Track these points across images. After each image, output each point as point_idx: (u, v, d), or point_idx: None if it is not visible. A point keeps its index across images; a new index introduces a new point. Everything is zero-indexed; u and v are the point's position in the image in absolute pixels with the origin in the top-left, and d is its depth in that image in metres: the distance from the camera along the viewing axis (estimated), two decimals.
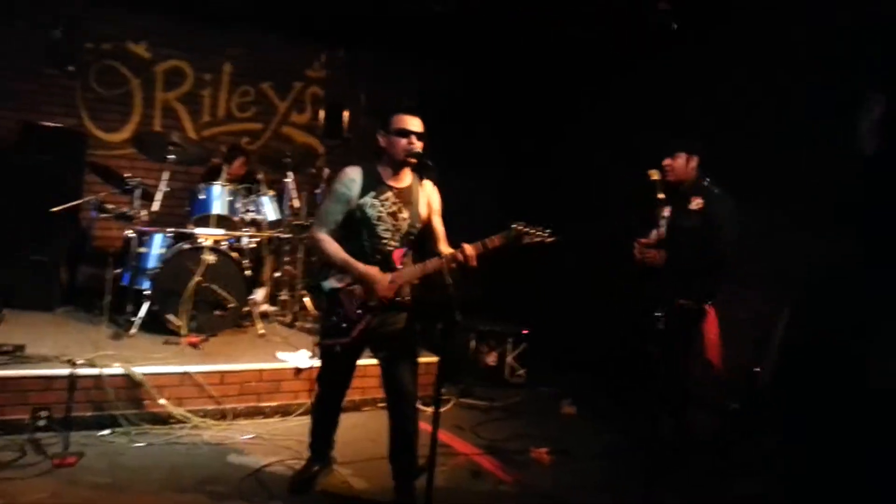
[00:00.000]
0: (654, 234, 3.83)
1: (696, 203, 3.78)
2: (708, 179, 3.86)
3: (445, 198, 3.35)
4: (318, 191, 5.94)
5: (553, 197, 6.34)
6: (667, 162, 3.81)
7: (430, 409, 2.84)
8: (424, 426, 3.19)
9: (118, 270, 5.06)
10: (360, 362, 3.38)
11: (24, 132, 5.53)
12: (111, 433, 3.81)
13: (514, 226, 3.06)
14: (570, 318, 5.80)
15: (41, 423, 3.62)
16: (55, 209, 4.85)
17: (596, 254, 5.35)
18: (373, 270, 3.09)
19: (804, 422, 3.82)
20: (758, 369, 3.98)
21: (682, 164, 3.82)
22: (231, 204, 5.15)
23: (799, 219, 4.39)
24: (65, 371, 3.77)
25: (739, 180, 3.92)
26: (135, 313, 4.75)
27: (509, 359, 5.58)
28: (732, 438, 4.16)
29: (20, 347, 3.99)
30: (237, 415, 4.20)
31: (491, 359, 5.55)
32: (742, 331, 4.42)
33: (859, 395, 3.64)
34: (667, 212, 3.79)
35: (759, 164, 4.66)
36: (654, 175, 3.73)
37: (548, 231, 3.10)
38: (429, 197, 3.27)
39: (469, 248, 3.04)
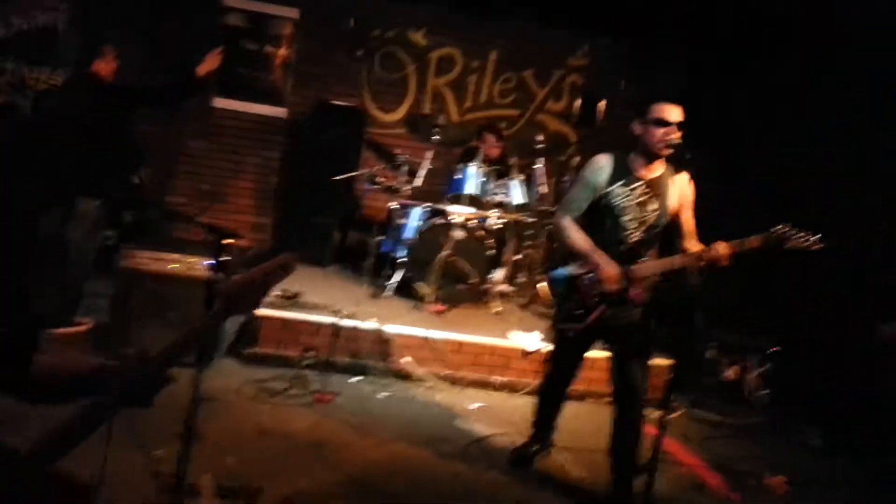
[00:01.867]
0: None
1: None
2: None
3: (705, 193, 3.18)
4: (565, 178, 5.99)
5: (821, 199, 5.63)
6: None
7: (657, 413, 2.76)
8: (649, 429, 3.12)
9: (381, 238, 5.61)
10: (589, 354, 3.38)
11: (317, 110, 6.35)
12: (361, 380, 4.29)
13: (776, 227, 2.83)
14: (830, 339, 5.15)
15: (308, 361, 4.20)
16: (337, 178, 5.52)
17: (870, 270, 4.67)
18: (605, 262, 3.01)
19: None
20: None
21: None
22: (483, 185, 5.42)
23: None
24: (331, 320, 4.32)
25: None
26: (390, 278, 5.25)
27: (751, 376, 5.14)
28: None
29: (297, 294, 4.65)
30: (468, 383, 4.46)
31: (731, 373, 5.15)
32: None
33: None
34: None
35: None
36: None
37: (816, 236, 2.82)
38: (681, 190, 3.10)
39: (722, 247, 2.87)
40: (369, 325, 4.41)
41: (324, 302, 4.63)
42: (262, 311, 4.31)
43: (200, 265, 4.09)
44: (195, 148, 6.61)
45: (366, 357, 4.35)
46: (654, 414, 3.60)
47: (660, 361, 4.21)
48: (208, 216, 6.59)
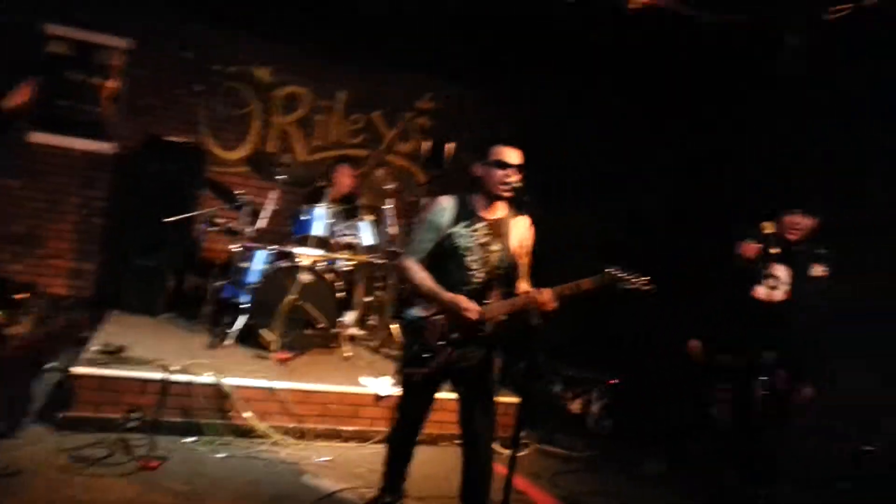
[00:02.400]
0: (761, 290, 3.59)
1: (820, 270, 3.57)
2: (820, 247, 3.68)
3: (547, 235, 3.24)
4: (415, 219, 5.97)
5: (655, 240, 6.04)
6: (797, 220, 3.62)
7: (507, 452, 2.73)
8: (500, 469, 3.07)
9: (221, 282, 5.26)
10: (440, 396, 3.30)
11: (150, 146, 5.92)
12: (196, 441, 3.90)
13: (607, 270, 2.93)
14: (662, 371, 5.47)
15: (132, 423, 3.79)
16: (169, 219, 5.12)
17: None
18: (460, 298, 3.01)
19: None
20: (868, 448, 3.62)
21: (810, 225, 3.63)
22: (330, 226, 5.26)
23: None
24: (158, 375, 3.92)
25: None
26: (231, 325, 4.91)
27: (594, 408, 5.32)
28: None
29: (121, 349, 4.20)
30: (316, 435, 4.22)
31: (575, 406, 5.31)
32: (848, 404, 4.01)
33: None
34: (781, 272, 3.54)
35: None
36: (769, 228, 3.54)
37: (645, 279, 2.96)
38: (522, 232, 3.16)
39: (546, 293, 2.93)
40: (204, 378, 4.05)
41: (152, 356, 4.20)
42: (77, 369, 3.83)
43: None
44: (8, 187, 5.91)
45: (200, 415, 3.97)
46: (505, 452, 3.61)
47: (507, 399, 4.23)
48: (22, 263, 5.89)
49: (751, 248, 3.67)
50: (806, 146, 5.00)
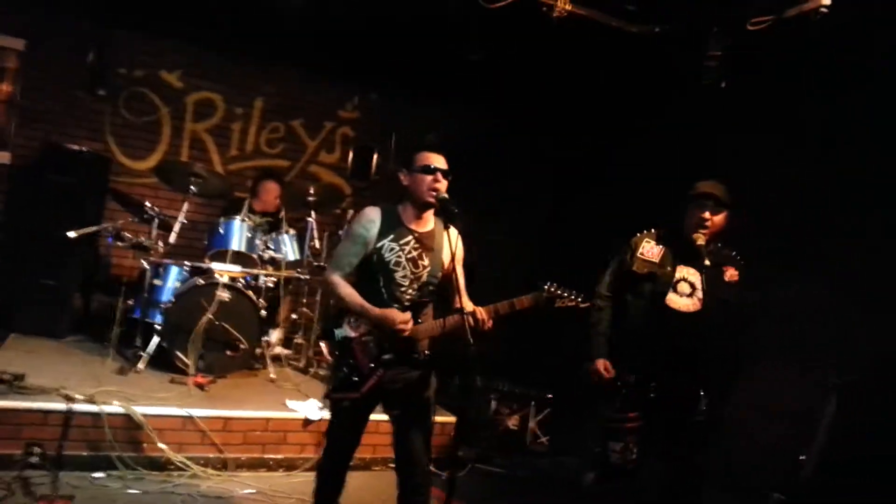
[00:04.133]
0: (674, 297, 3.27)
1: (731, 274, 3.25)
2: (723, 245, 3.36)
3: (477, 247, 3.15)
4: (340, 232, 5.79)
5: (587, 251, 6.11)
6: (707, 216, 3.17)
7: (444, 474, 2.62)
8: (436, 492, 3.00)
9: (130, 302, 4.92)
10: (373, 417, 3.14)
11: (48, 154, 5.50)
12: (105, 476, 3.62)
13: (545, 287, 2.87)
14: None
15: (33, 459, 3.48)
16: (71, 234, 4.73)
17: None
18: (390, 312, 2.87)
19: None
20: (803, 457, 3.66)
21: (721, 221, 3.23)
22: (250, 240, 5.01)
23: (852, 293, 4.10)
24: (61, 406, 3.61)
25: (779, 247, 3.63)
26: (143, 347, 4.59)
27: (532, 424, 5.27)
28: None
29: (19, 377, 3.82)
30: (239, 465, 3.99)
31: (512, 422, 5.24)
32: (784, 411, 4.12)
33: None
34: (693, 276, 3.26)
35: (803, 230, 4.39)
36: (701, 239, 3.18)
37: (580, 296, 2.95)
38: (452, 244, 3.01)
39: (482, 312, 2.87)
40: (112, 408, 3.73)
41: (54, 383, 3.84)
42: None
43: None
44: None
45: (109, 447, 3.65)
46: (440, 474, 3.49)
47: (443, 419, 4.12)
48: None
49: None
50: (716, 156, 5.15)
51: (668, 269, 3.29)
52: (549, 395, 5.34)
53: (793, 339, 4.23)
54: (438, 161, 2.94)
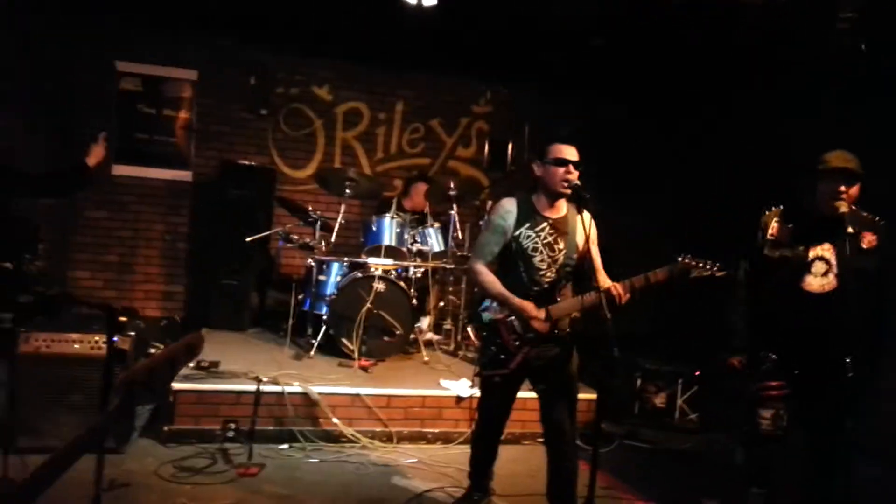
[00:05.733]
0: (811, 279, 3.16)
1: (869, 240, 3.05)
2: (859, 209, 3.13)
3: (612, 230, 3.25)
4: (481, 222, 6.05)
5: (725, 229, 5.94)
6: (843, 189, 3.01)
7: (590, 448, 2.77)
8: (584, 465, 3.07)
9: (300, 296, 5.47)
10: (520, 395, 3.36)
11: (223, 171, 6.23)
12: (289, 447, 4.10)
13: (679, 258, 2.93)
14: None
15: (230, 434, 4.01)
16: (249, 238, 5.38)
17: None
18: (528, 305, 3.05)
19: None
20: None
21: (856, 192, 3.07)
22: (399, 235, 5.40)
23: None
24: (252, 387, 4.12)
25: None
26: (314, 336, 5.11)
27: (680, 401, 5.25)
28: None
29: (215, 364, 4.44)
30: (402, 438, 4.34)
31: (659, 400, 5.24)
32: None
33: None
34: (827, 252, 3.12)
35: None
36: (843, 207, 3.02)
37: (717, 265, 2.94)
38: (585, 227, 3.13)
39: (617, 287, 2.97)
40: (293, 388, 4.24)
41: (243, 369, 4.43)
42: (177, 385, 4.08)
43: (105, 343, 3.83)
44: (95, 219, 6.32)
45: (292, 422, 4.16)
46: (587, 449, 3.63)
47: (586, 395, 4.24)
48: (115, 290, 6.28)
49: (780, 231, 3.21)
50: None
51: (801, 249, 3.15)
52: (697, 373, 5.27)
53: None
54: (570, 153, 3.07)
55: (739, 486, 3.37)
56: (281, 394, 4.19)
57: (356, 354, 4.90)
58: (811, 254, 3.14)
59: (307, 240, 5.52)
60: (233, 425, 4.04)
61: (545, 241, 3.12)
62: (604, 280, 3.10)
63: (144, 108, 6.47)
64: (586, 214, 3.10)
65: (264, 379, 4.21)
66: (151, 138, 6.50)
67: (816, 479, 3.15)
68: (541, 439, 3.42)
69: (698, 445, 4.90)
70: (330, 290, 5.34)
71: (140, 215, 6.43)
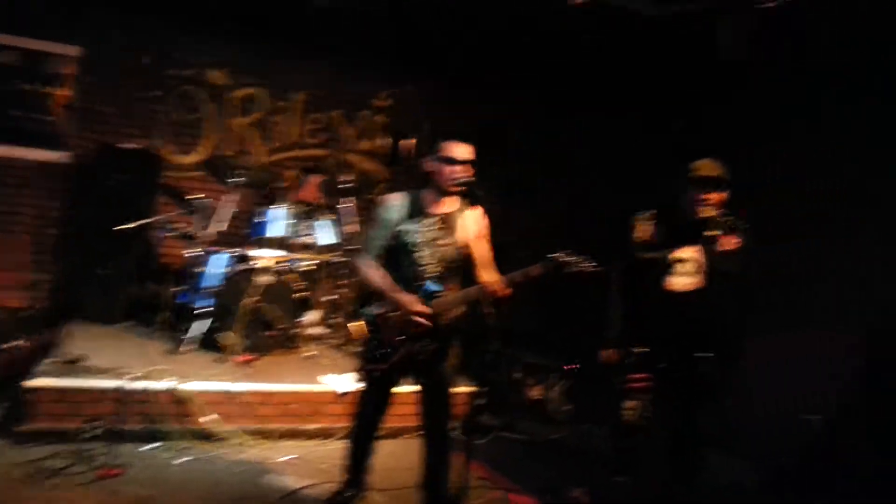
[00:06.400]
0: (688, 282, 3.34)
1: (733, 242, 3.21)
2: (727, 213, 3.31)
3: (504, 227, 3.28)
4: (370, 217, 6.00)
5: (616, 228, 6.17)
6: (707, 196, 3.21)
7: (465, 439, 2.82)
8: (459, 457, 3.13)
9: (179, 288, 5.24)
10: (401, 389, 3.35)
11: (104, 153, 5.86)
12: (158, 447, 3.92)
13: (551, 255, 2.99)
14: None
15: (94, 433, 3.78)
16: (122, 227, 5.08)
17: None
18: (410, 299, 3.07)
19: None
20: (813, 417, 3.65)
21: (721, 198, 3.26)
22: (288, 227, 5.27)
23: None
24: (116, 384, 3.91)
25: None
26: (189, 330, 4.89)
27: (554, 393, 5.39)
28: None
29: (80, 358, 4.18)
30: (280, 435, 4.25)
31: (535, 393, 5.38)
32: (794, 374, 4.12)
33: None
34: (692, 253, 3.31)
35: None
36: (708, 212, 3.23)
37: (590, 261, 3.02)
38: (474, 222, 3.21)
39: (497, 282, 3.01)
40: (163, 384, 4.05)
41: (111, 364, 4.19)
42: (33, 382, 3.81)
43: None
44: None
45: (161, 421, 3.98)
46: (464, 440, 3.67)
47: (466, 389, 4.28)
48: None
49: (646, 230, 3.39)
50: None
51: (665, 251, 3.33)
52: (572, 366, 5.44)
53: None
54: (462, 152, 3.08)
55: (605, 475, 3.50)
56: (149, 391, 4.00)
57: (236, 349, 4.74)
58: (676, 255, 3.31)
59: (190, 229, 5.29)
60: (97, 424, 3.81)
61: (431, 237, 3.13)
62: (489, 276, 3.15)
63: (21, 84, 5.98)
64: (477, 211, 3.14)
65: (133, 375, 4.00)
66: (27, 116, 6.02)
67: (672, 469, 3.32)
68: (418, 433, 3.42)
69: (571, 436, 5.06)
70: (210, 282, 5.14)
71: (6, 197, 5.93)
